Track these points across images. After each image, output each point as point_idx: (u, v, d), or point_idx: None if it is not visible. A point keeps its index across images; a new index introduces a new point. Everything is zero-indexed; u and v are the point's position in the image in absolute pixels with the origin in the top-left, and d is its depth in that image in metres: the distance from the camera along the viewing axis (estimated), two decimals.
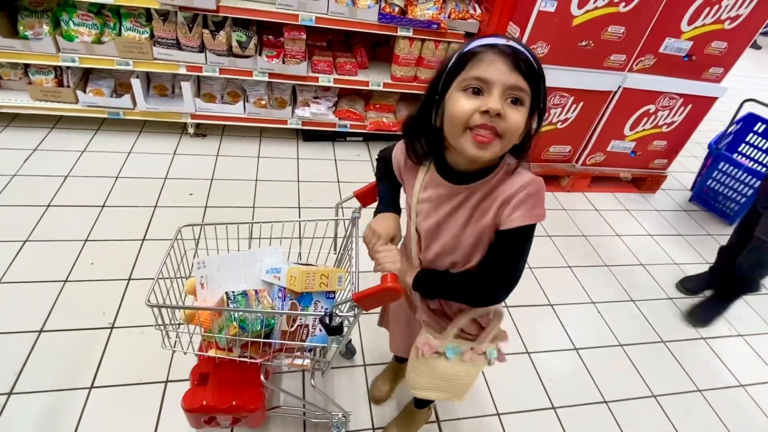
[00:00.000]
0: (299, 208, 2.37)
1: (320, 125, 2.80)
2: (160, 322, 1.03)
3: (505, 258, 0.88)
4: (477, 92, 0.77)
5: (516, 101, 0.77)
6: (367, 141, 3.02)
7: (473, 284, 0.92)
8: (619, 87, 2.54)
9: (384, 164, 1.13)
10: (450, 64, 0.81)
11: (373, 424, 1.54)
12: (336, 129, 2.84)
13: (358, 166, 2.81)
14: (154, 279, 1.03)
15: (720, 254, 2.32)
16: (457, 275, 0.96)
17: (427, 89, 0.87)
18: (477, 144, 0.79)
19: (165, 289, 1.09)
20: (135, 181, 2.35)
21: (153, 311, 1.01)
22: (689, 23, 2.37)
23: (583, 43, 2.31)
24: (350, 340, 1.68)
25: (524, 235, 0.85)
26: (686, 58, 2.51)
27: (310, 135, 2.90)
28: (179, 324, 1.13)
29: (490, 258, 0.90)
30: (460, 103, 0.78)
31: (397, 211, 1.09)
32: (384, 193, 1.12)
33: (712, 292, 2.28)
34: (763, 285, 2.54)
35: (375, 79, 2.68)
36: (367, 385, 1.64)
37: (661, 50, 2.45)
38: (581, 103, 2.57)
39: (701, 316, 2.20)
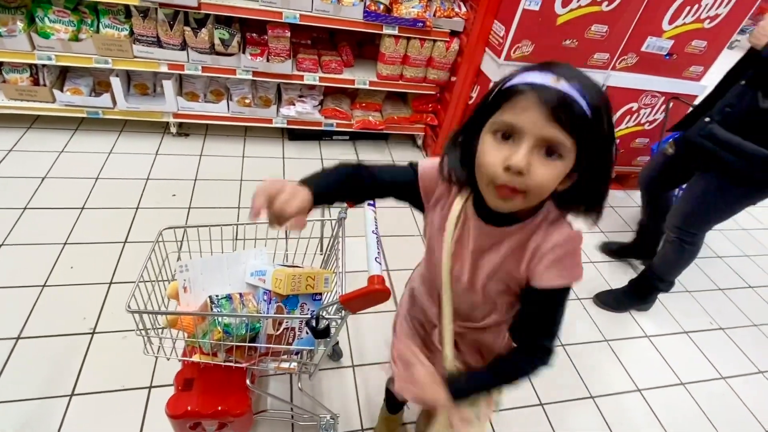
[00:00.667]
0: None
1: (306, 124, 2.78)
2: (141, 328, 1.01)
3: (540, 320, 0.81)
4: (507, 136, 0.67)
5: (552, 153, 0.66)
6: (354, 140, 3.00)
7: (511, 367, 0.85)
8: (603, 85, 2.56)
9: (365, 174, 0.86)
10: (491, 97, 0.71)
11: (362, 425, 1.53)
12: (322, 128, 2.81)
13: None
14: (134, 283, 1.01)
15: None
16: (490, 369, 0.88)
17: (470, 115, 0.77)
18: (497, 195, 0.70)
19: (146, 293, 1.07)
20: (116, 182, 2.29)
21: (134, 317, 0.98)
22: (670, 22, 2.40)
23: (568, 42, 2.32)
24: (338, 342, 1.67)
25: (560, 295, 0.78)
26: (667, 57, 2.54)
27: (296, 134, 2.87)
28: (162, 329, 1.11)
29: (524, 322, 0.83)
30: (486, 153, 0.69)
31: (321, 201, 0.79)
32: (331, 180, 0.83)
33: (628, 284, 2.22)
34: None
35: (361, 78, 2.66)
36: (355, 386, 1.63)
37: (643, 49, 2.48)
38: None
39: (605, 298, 2.20)
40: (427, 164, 0.86)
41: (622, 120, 2.77)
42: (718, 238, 2.87)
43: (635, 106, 2.71)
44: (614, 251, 2.51)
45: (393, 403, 1.43)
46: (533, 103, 0.63)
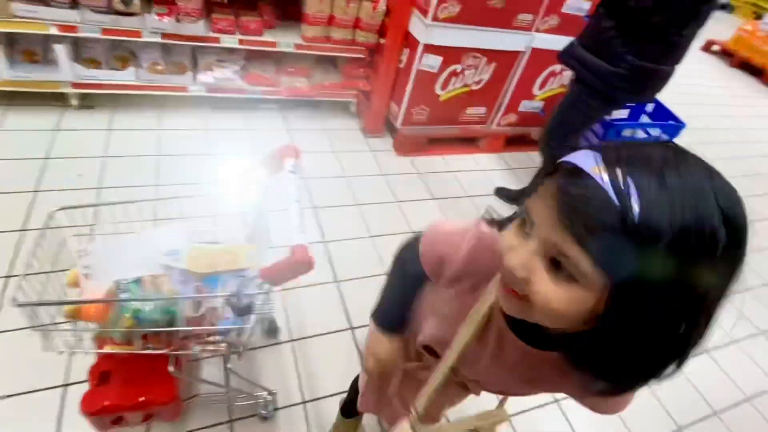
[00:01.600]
0: (210, 183, 2.19)
1: (228, 92, 2.59)
2: (36, 323, 0.89)
3: None
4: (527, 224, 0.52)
5: (559, 266, 0.46)
6: (283, 109, 2.85)
7: None
8: (528, 47, 2.61)
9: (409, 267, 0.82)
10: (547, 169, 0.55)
11: (303, 398, 1.52)
12: (247, 95, 2.64)
13: (274, 136, 2.65)
14: (21, 275, 0.89)
15: None
16: None
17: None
18: (501, 291, 0.55)
19: (41, 285, 0.95)
20: (7, 163, 2.02)
21: (24, 311, 0.87)
22: None
23: (494, 2, 2.31)
24: (273, 319, 1.62)
25: None
26: (587, 18, 2.61)
27: (219, 103, 2.67)
28: (65, 322, 0.99)
29: None
30: (504, 233, 0.55)
31: (404, 331, 0.89)
32: (399, 302, 0.87)
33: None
34: None
35: (284, 40, 2.50)
36: (295, 361, 1.60)
37: (563, 10, 2.53)
38: (493, 64, 2.61)
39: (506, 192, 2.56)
40: (428, 249, 0.78)
41: (546, 82, 2.85)
42: None
43: (559, 68, 2.79)
44: (512, 198, 2.62)
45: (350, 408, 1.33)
46: (551, 194, 0.47)
